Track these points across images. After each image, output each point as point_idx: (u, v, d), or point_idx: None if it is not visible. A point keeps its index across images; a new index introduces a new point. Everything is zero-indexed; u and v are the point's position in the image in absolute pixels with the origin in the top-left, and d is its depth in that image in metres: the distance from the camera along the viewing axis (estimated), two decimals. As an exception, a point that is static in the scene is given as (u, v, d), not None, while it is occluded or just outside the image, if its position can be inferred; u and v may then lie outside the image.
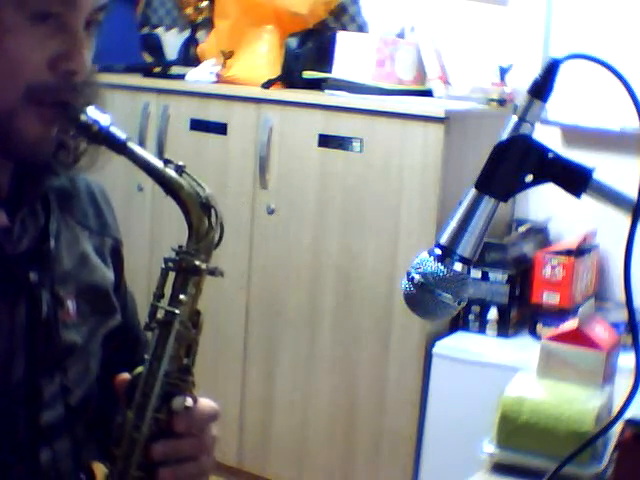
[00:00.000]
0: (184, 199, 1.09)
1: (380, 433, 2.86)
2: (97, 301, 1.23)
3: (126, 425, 1.10)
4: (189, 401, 1.12)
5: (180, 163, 1.10)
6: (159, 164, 1.09)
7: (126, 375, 1.13)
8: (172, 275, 1.13)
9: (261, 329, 3.05)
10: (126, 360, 1.31)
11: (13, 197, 1.13)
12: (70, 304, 1.17)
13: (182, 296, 1.10)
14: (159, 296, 1.11)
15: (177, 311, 1.10)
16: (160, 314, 1.11)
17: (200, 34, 3.63)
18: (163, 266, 1.11)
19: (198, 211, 1.10)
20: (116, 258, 1.30)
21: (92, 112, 1.07)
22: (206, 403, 1.16)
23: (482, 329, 2.83)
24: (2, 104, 1.05)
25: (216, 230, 1.12)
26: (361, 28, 3.35)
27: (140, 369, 1.12)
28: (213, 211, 1.11)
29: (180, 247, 1.11)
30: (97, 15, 1.10)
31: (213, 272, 1.12)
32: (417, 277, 1.00)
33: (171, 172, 1.09)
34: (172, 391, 1.11)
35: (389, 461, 2.85)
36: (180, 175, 1.09)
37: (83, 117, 1.06)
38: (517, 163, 1.01)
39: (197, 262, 1.10)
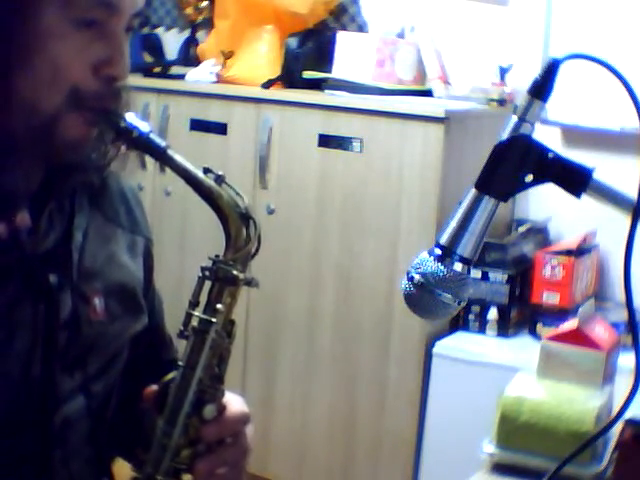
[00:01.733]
0: (223, 209, 1.10)
1: (380, 433, 2.86)
2: (125, 300, 1.23)
3: (156, 431, 1.10)
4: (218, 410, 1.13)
5: (220, 173, 1.10)
6: (199, 173, 1.10)
7: (154, 387, 1.15)
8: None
9: (261, 329, 3.05)
10: (151, 360, 1.32)
11: (42, 193, 1.14)
12: (97, 302, 1.18)
13: (219, 305, 1.11)
14: (194, 304, 1.12)
15: (214, 320, 1.10)
16: (194, 322, 1.11)
17: (200, 34, 3.63)
18: (200, 274, 1.12)
19: (237, 221, 1.11)
20: (147, 258, 1.31)
21: (132, 118, 1.08)
22: (236, 408, 1.17)
23: (482, 329, 2.83)
24: (46, 107, 1.06)
25: (254, 241, 1.12)
26: (361, 28, 3.35)
27: (170, 376, 1.13)
28: (251, 222, 1.12)
29: (217, 256, 1.12)
30: (134, 21, 1.12)
31: (250, 282, 1.13)
32: (417, 277, 1.01)
33: (211, 182, 1.10)
34: (204, 399, 1.11)
35: (389, 461, 2.85)
36: (219, 185, 1.10)
37: (123, 123, 1.07)
38: (517, 163, 1.01)
39: (235, 272, 1.11)
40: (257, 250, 1.13)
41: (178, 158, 1.10)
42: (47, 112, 1.06)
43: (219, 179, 1.10)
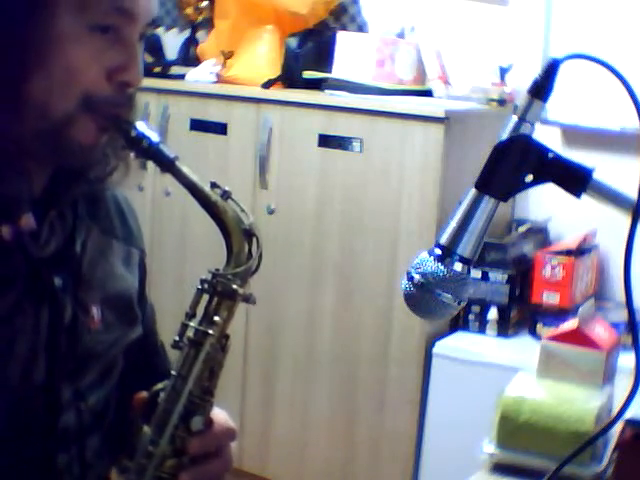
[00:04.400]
0: (227, 224, 1.10)
1: (380, 433, 2.86)
2: (121, 311, 1.23)
3: (142, 439, 1.10)
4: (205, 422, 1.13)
5: (226, 188, 1.11)
6: (205, 187, 1.10)
7: (144, 393, 1.14)
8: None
9: (261, 329, 3.05)
10: (144, 369, 1.31)
11: (44, 200, 1.14)
12: (95, 311, 1.18)
13: (216, 318, 1.10)
14: (191, 315, 1.11)
15: (211, 331, 1.10)
16: (190, 333, 1.11)
17: (200, 34, 3.63)
18: (199, 286, 1.11)
19: (240, 237, 1.11)
20: (141, 269, 1.31)
21: (142, 127, 1.08)
22: (222, 423, 1.17)
23: (482, 329, 2.83)
24: (59, 111, 1.06)
25: (255, 258, 1.12)
26: (361, 28, 3.35)
27: (160, 385, 1.13)
28: (254, 239, 1.12)
29: (217, 270, 1.11)
30: (149, 29, 1.12)
31: (248, 299, 1.12)
32: (417, 277, 1.00)
33: (217, 196, 1.10)
34: (192, 410, 1.11)
35: (389, 461, 2.84)
36: (225, 200, 1.10)
37: (133, 132, 1.08)
38: (517, 163, 1.01)
39: (234, 286, 1.11)
40: (257, 267, 1.13)
41: (186, 170, 1.10)
42: (58, 116, 1.06)
43: (225, 194, 1.11)
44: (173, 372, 1.11)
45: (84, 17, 1.05)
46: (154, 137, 1.08)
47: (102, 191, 1.24)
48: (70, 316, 1.13)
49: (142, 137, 1.08)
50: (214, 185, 1.10)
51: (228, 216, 1.10)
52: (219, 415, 1.17)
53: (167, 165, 1.09)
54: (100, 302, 1.19)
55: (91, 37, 1.06)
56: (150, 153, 1.08)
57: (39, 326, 1.11)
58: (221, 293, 1.11)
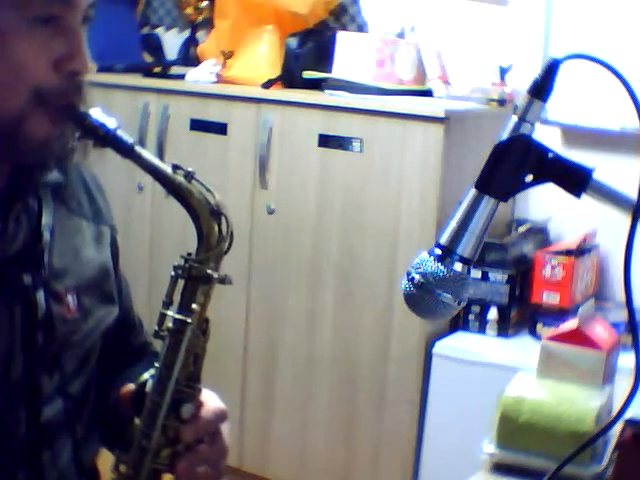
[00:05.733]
0: (193, 206, 1.08)
1: (380, 433, 2.86)
2: (98, 293, 1.23)
3: (135, 432, 1.09)
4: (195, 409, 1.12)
5: (189, 169, 1.08)
6: (167, 170, 1.08)
7: (131, 386, 1.14)
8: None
9: (261, 329, 3.05)
10: (122, 346, 1.31)
11: (6, 196, 1.13)
12: (70, 299, 1.17)
13: (194, 305, 1.09)
14: (168, 304, 1.10)
15: (189, 320, 1.09)
16: (169, 321, 1.10)
17: (200, 34, 3.64)
18: (172, 274, 1.10)
19: (208, 218, 1.09)
20: (113, 246, 1.30)
21: (98, 115, 1.07)
22: (212, 406, 1.16)
23: (482, 329, 2.83)
24: (9, 108, 1.05)
25: (226, 238, 1.10)
26: (361, 28, 3.35)
27: (145, 376, 1.12)
28: (223, 218, 1.10)
29: (189, 254, 1.10)
30: (90, 11, 1.10)
31: (223, 280, 1.11)
32: (417, 277, 1.00)
33: (180, 178, 1.08)
34: (180, 399, 1.10)
35: (389, 461, 2.84)
36: (189, 181, 1.08)
37: (88, 121, 1.06)
38: (517, 163, 1.01)
39: (208, 271, 1.09)
40: (229, 247, 1.11)
41: (146, 155, 1.08)
42: (10, 113, 1.05)
43: (189, 175, 1.08)
44: (157, 364, 1.10)
45: (24, 11, 1.04)
46: (110, 124, 1.06)
47: (66, 173, 1.22)
48: (44, 310, 1.13)
49: (98, 125, 1.06)
50: (176, 167, 1.08)
51: (194, 197, 1.08)
52: (208, 397, 1.16)
53: (126, 151, 1.07)
54: (75, 289, 1.18)
55: (33, 30, 1.04)
56: (107, 141, 1.06)
57: (14, 324, 1.10)
58: (196, 278, 1.09)
